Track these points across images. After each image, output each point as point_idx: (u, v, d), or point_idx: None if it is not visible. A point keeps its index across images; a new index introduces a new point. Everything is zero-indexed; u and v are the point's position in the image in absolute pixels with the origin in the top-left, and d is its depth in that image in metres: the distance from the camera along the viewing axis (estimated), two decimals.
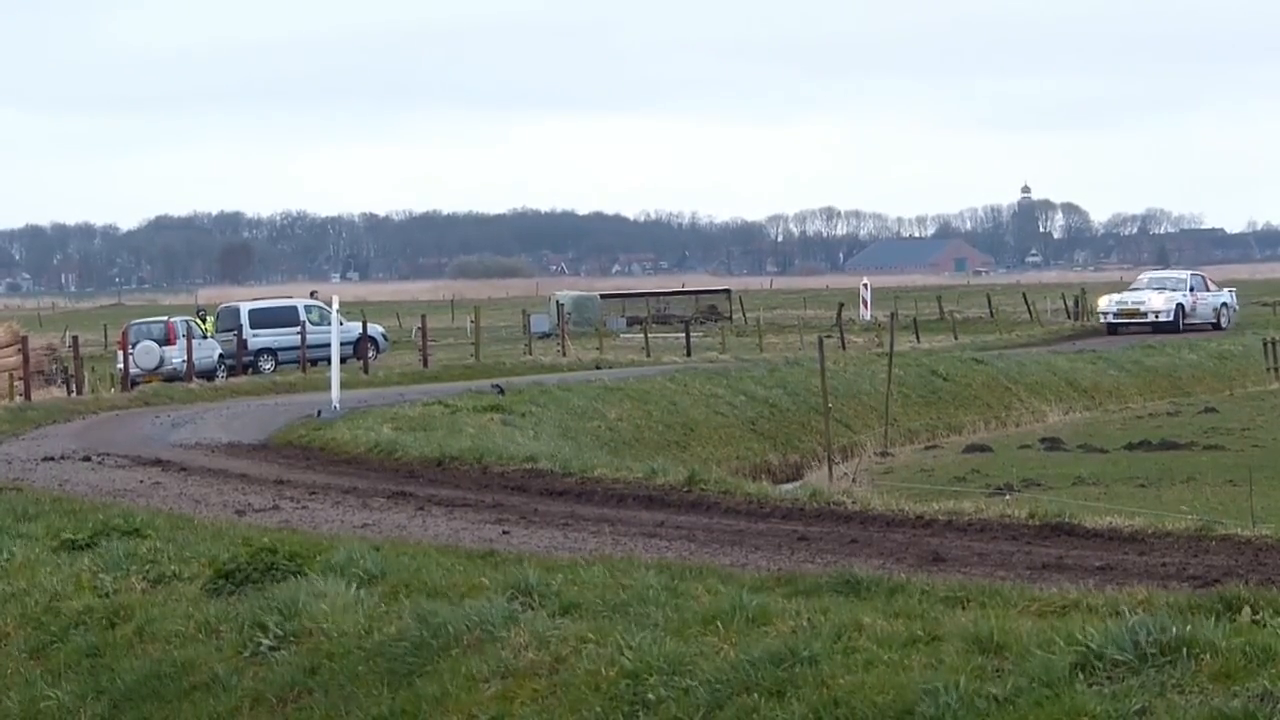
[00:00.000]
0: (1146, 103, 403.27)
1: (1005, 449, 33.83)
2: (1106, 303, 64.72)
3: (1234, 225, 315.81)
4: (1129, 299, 63.80)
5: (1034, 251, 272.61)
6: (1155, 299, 62.89)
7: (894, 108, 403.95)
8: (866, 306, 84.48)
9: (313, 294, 66.13)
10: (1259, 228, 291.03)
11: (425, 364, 51.28)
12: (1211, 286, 66.53)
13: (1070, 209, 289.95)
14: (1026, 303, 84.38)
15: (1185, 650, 9.19)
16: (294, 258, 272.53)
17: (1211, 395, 48.25)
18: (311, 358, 51.17)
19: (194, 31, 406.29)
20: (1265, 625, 10.03)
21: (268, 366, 53.41)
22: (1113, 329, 62.93)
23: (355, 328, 55.11)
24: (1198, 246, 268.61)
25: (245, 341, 52.77)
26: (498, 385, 38.20)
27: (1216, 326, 63.87)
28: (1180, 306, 62.58)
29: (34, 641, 14.06)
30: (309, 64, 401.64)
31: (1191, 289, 64.25)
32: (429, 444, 25.74)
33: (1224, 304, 65.62)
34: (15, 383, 41.69)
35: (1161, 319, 62.28)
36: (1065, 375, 50.09)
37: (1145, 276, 68.35)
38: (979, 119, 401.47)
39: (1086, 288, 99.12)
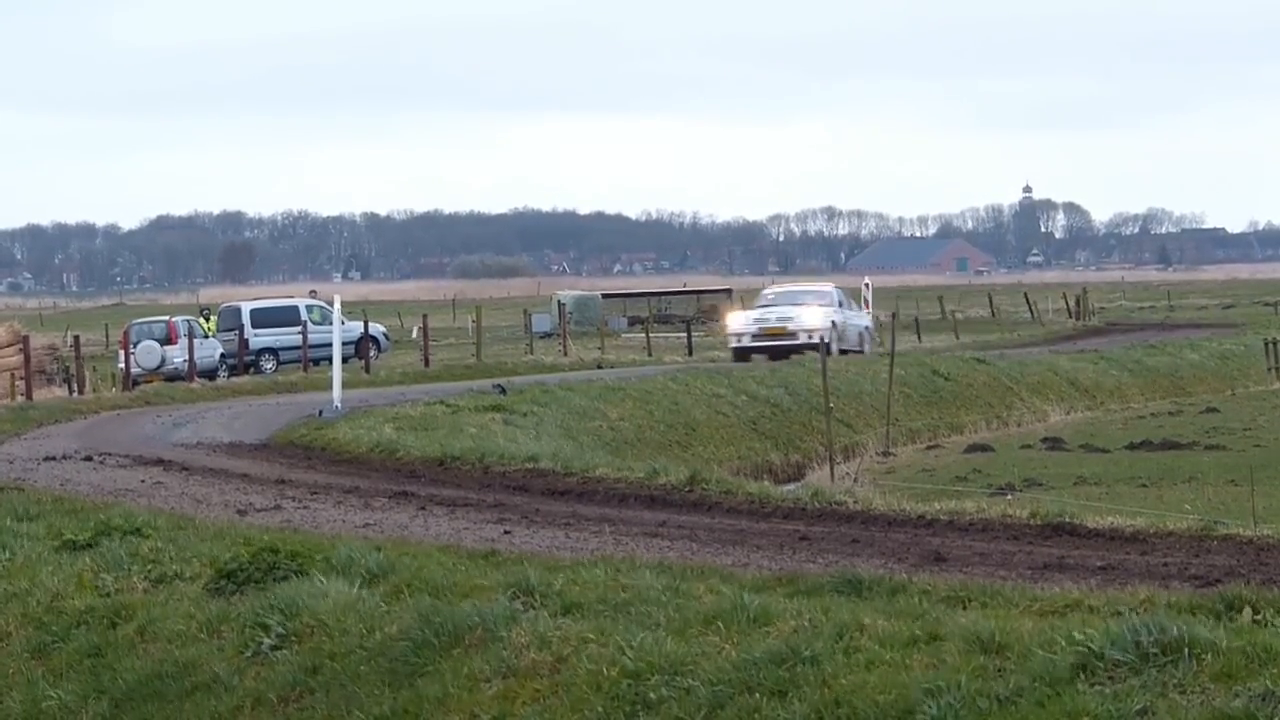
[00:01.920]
0: (1148, 102, 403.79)
1: (1007, 449, 33.85)
2: (742, 322, 50.76)
3: (1235, 225, 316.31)
4: (772, 316, 49.83)
5: (1035, 251, 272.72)
6: (808, 316, 49.37)
7: (895, 107, 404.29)
8: (868, 306, 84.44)
9: (312, 293, 66.15)
10: (1260, 227, 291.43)
11: (427, 364, 51.27)
12: (854, 305, 54.61)
13: (1072, 209, 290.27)
14: (1028, 302, 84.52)
15: (1186, 650, 9.19)
16: (296, 257, 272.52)
17: (1213, 395, 48.30)
18: (313, 357, 51.16)
19: (194, 31, 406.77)
20: (1267, 625, 10.04)
21: (269, 366, 53.46)
22: (743, 354, 49.09)
23: (357, 327, 55.12)
24: (1199, 246, 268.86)
25: (247, 341, 52.80)
26: (499, 385, 38.18)
27: (859, 352, 50.61)
28: (834, 325, 49.49)
29: (35, 641, 14.06)
30: (310, 64, 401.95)
31: (840, 304, 51.53)
32: (431, 444, 25.73)
33: (866, 327, 53.38)
34: (17, 382, 41.67)
35: (816, 339, 47.23)
36: (1067, 375, 50.12)
37: (773, 291, 54.62)
38: (980, 119, 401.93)
39: (1088, 287, 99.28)
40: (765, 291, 54.94)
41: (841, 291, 53.10)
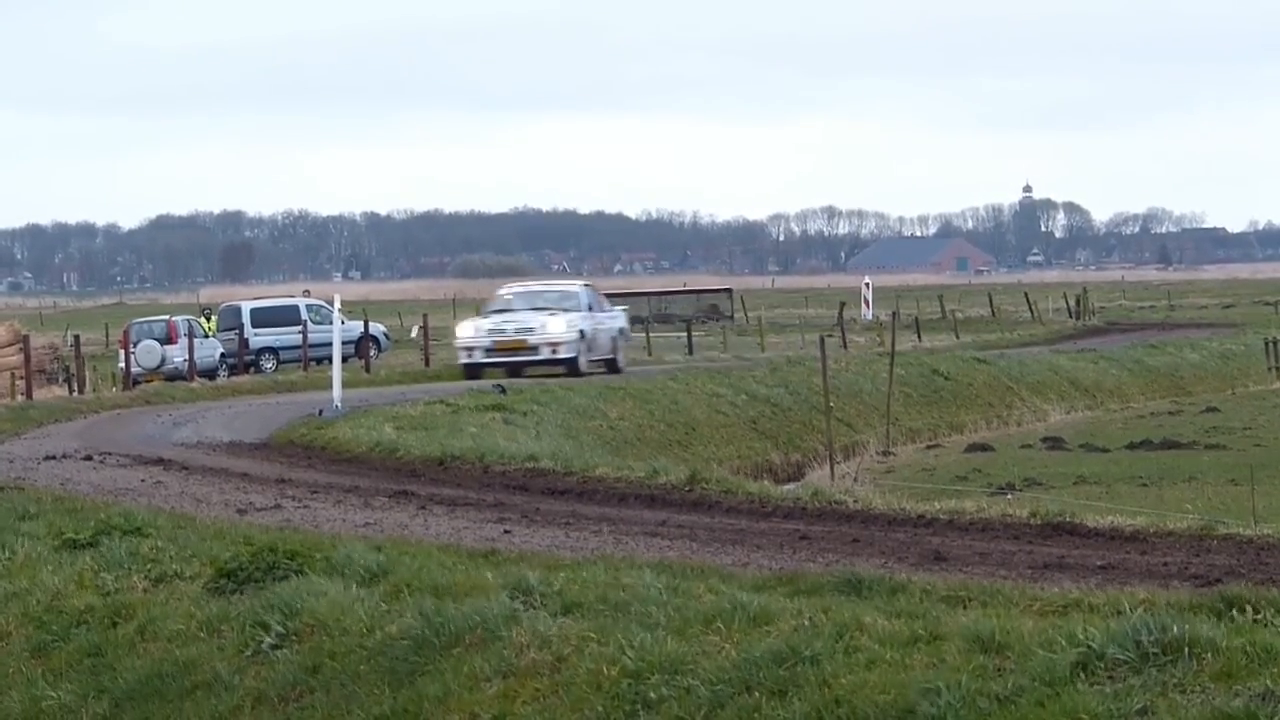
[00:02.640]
0: (1148, 102, 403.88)
1: (1007, 448, 33.89)
2: (471, 332, 42.46)
3: (1235, 224, 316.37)
4: (510, 326, 42.03)
5: (1036, 251, 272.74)
6: (553, 325, 41.85)
7: (895, 107, 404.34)
8: (868, 306, 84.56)
9: (305, 293, 66.16)
10: (1260, 227, 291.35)
11: (427, 363, 51.23)
12: (606, 304, 45.68)
13: (1072, 208, 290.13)
14: (1028, 302, 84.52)
15: (1187, 650, 9.20)
16: (296, 257, 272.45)
17: (1213, 394, 48.36)
18: (313, 356, 51.17)
19: (194, 31, 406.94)
20: (1267, 625, 10.04)
21: (269, 365, 53.49)
22: (475, 372, 41.58)
23: (357, 327, 55.10)
24: (1199, 246, 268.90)
25: (247, 340, 52.82)
26: (499, 384, 38.17)
27: (613, 368, 43.20)
28: (583, 335, 42.23)
29: (35, 640, 14.06)
30: (310, 63, 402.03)
31: (589, 308, 43.39)
32: (431, 443, 25.73)
33: (621, 330, 45.13)
34: (17, 382, 41.67)
35: (562, 354, 41.69)
36: (1067, 374, 50.15)
37: (510, 292, 45.58)
38: (980, 118, 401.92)
39: (1089, 287, 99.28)
40: (501, 293, 45.86)
41: (591, 291, 45.31)
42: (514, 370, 41.65)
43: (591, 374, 41.34)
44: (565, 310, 42.63)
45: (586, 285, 46.79)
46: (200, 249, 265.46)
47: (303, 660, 12.25)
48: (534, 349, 41.62)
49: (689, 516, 18.28)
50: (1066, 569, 14.07)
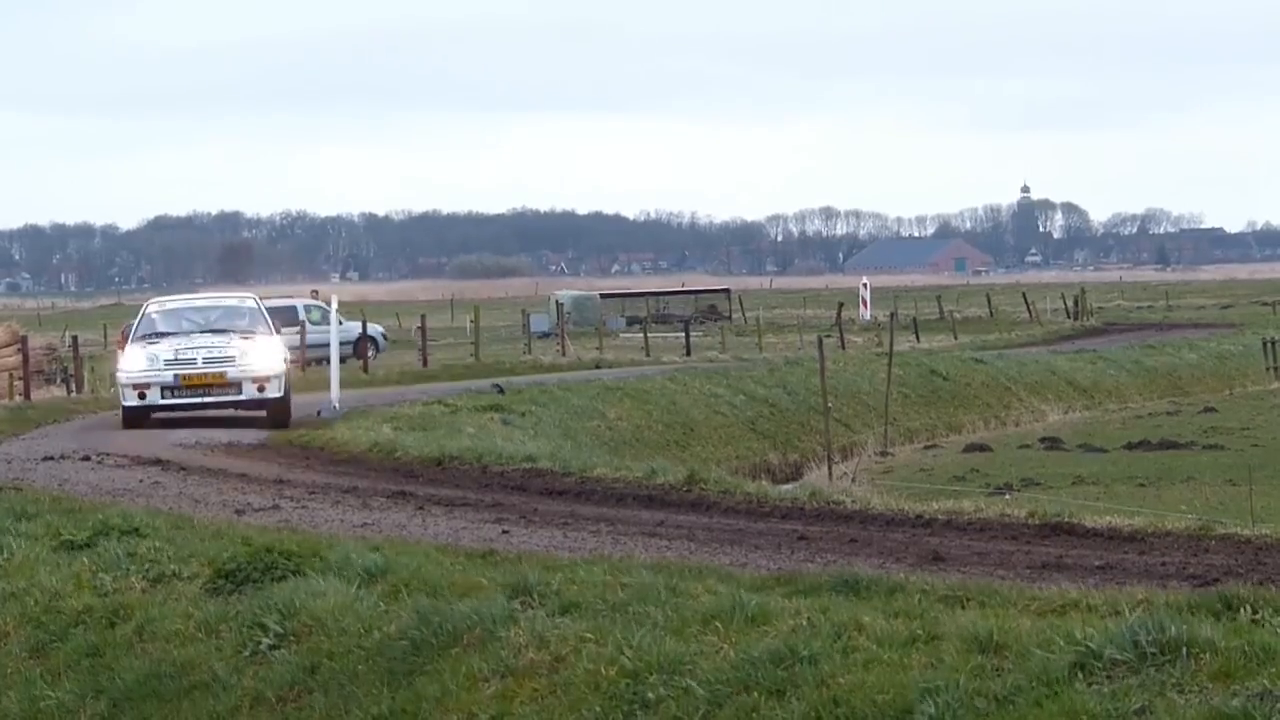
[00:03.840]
0: (1146, 102, 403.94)
1: (1005, 448, 33.91)
2: (144, 364, 30.18)
3: (1234, 225, 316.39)
4: (197, 353, 30.42)
5: (1034, 251, 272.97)
6: (258, 352, 30.65)
7: (893, 107, 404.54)
8: (866, 306, 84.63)
9: (314, 293, 66.24)
10: (1258, 227, 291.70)
11: (425, 364, 51.27)
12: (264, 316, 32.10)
13: (1070, 209, 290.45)
14: (1026, 302, 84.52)
15: (1185, 650, 9.19)
16: (294, 258, 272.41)
17: (1211, 395, 48.41)
18: (311, 357, 51.16)
19: (194, 31, 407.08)
20: (1265, 625, 10.03)
21: None
22: (138, 418, 30.33)
23: (355, 327, 55.15)
24: (1197, 246, 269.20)
25: None
26: (497, 385, 38.20)
27: (279, 401, 30.56)
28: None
29: (33, 641, 14.06)
30: (309, 64, 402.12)
31: (275, 330, 31.96)
32: (429, 443, 25.71)
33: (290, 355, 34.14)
34: (15, 382, 41.66)
35: (270, 393, 30.31)
36: (1065, 375, 50.17)
37: (162, 308, 32.69)
38: (978, 119, 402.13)
39: (1086, 287, 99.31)
40: (150, 311, 32.58)
41: (262, 306, 33.17)
42: (179, 416, 30.88)
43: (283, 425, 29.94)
44: (257, 333, 31.45)
45: (260, 299, 34.77)
46: (198, 249, 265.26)
47: (301, 660, 12.26)
48: (235, 385, 30.43)
49: (687, 517, 18.27)
50: (1064, 569, 14.07)
